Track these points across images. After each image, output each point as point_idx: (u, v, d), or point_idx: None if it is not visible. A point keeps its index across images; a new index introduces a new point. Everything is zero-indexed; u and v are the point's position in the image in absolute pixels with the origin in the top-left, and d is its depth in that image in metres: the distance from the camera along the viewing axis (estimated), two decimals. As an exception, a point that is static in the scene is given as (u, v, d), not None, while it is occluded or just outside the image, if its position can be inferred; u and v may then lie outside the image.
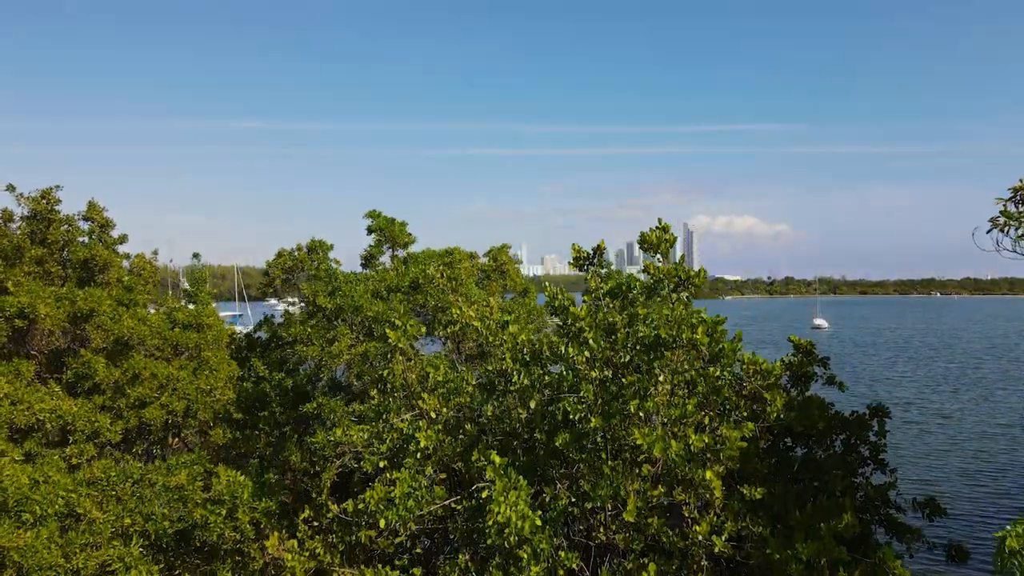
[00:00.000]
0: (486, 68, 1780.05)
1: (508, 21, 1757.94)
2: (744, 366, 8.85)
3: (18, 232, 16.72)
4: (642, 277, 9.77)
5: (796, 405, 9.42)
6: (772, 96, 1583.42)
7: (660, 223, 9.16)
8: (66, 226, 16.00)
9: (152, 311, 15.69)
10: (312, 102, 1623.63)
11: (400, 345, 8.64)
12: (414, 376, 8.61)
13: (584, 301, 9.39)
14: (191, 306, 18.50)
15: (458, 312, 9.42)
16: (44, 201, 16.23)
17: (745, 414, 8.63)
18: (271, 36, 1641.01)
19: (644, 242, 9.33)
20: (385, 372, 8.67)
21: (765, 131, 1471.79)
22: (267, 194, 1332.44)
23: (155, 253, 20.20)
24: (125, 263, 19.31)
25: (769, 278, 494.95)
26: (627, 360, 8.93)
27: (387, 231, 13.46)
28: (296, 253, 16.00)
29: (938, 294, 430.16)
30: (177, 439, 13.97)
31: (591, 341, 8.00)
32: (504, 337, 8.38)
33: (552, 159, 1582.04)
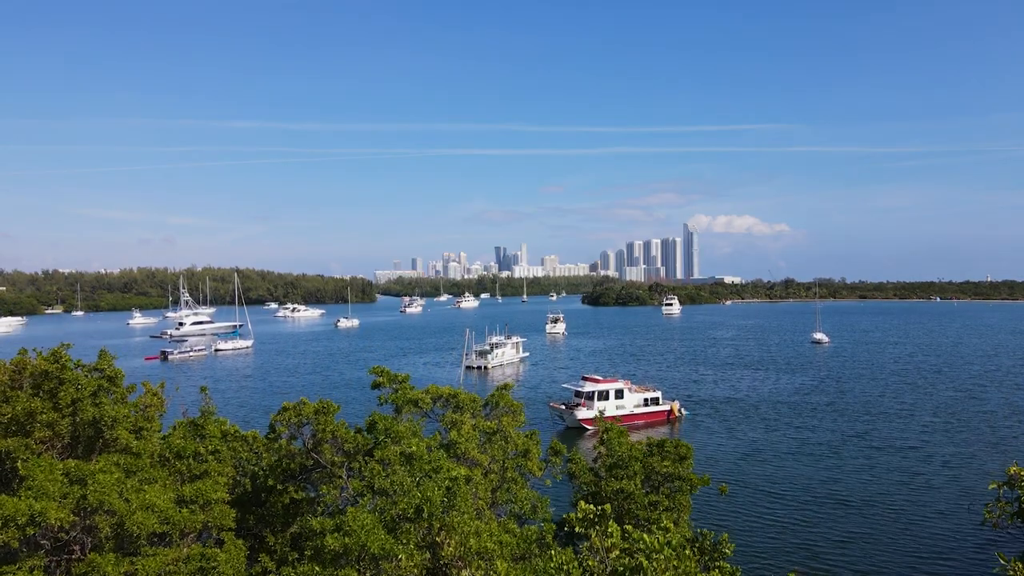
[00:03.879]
0: (486, 68, 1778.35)
1: (508, 21, 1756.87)
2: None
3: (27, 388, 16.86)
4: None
5: None
6: (772, 96, 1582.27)
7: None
8: (77, 385, 16.16)
9: (159, 486, 15.72)
10: (312, 102, 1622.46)
11: None
12: None
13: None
14: (200, 446, 18.51)
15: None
16: (55, 362, 16.36)
17: None
18: (270, 36, 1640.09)
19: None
20: None
21: (765, 131, 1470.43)
22: (267, 194, 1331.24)
23: (162, 386, 20.37)
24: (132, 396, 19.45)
25: (768, 282, 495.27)
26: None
27: (392, 430, 13.53)
28: (302, 409, 16.15)
29: (938, 299, 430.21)
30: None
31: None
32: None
33: (552, 159, 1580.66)
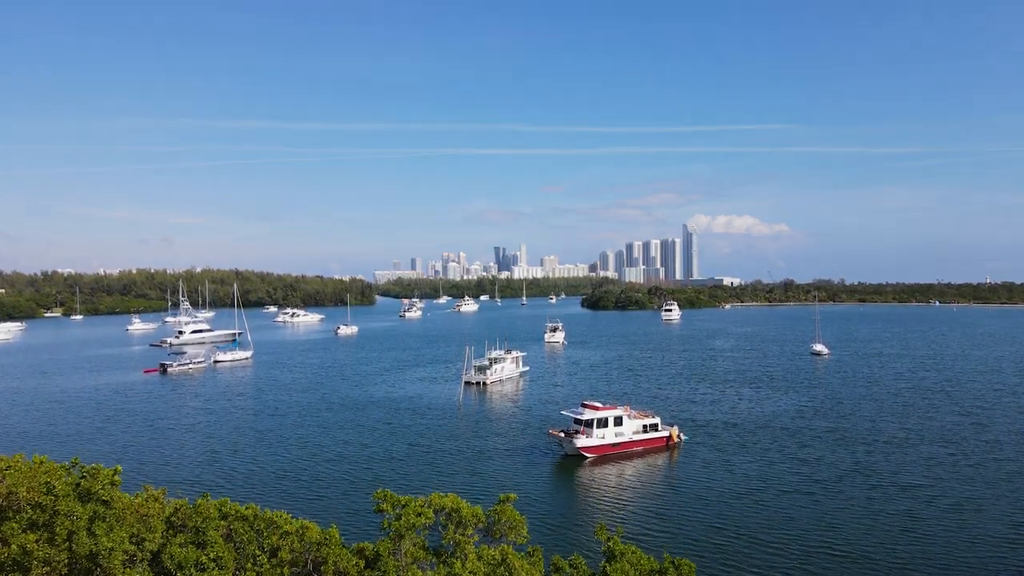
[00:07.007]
0: (486, 68, 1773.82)
1: (508, 21, 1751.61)
2: None
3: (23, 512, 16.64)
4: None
5: None
6: (772, 96, 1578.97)
7: None
8: (72, 517, 15.93)
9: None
10: (312, 102, 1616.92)
11: None
12: None
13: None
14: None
15: None
16: (47, 492, 16.13)
17: None
18: (270, 35, 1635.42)
19: None
20: None
21: (765, 131, 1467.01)
22: (267, 194, 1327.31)
23: (163, 492, 20.18)
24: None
25: (768, 284, 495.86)
26: None
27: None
28: (305, 534, 15.98)
29: (937, 303, 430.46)
30: None
31: None
32: None
33: (552, 159, 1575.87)
